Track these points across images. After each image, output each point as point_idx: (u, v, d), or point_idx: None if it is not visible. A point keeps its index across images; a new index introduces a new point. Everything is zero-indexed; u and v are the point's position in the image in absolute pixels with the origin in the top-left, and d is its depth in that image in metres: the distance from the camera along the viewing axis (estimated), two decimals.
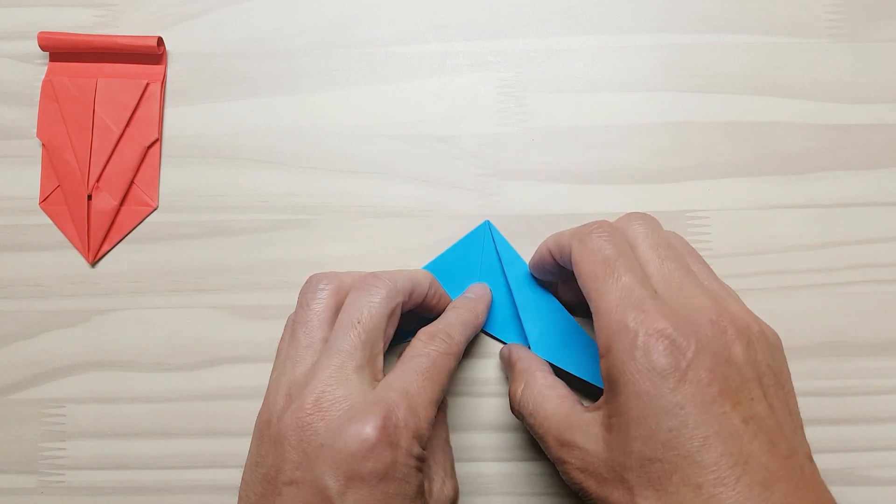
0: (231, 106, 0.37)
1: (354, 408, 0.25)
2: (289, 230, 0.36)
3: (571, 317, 0.33)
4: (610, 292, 0.25)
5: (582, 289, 0.27)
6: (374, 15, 0.37)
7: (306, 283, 0.29)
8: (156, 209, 0.36)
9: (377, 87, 0.37)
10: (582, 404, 0.28)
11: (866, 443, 0.34)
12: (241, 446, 0.34)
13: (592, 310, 0.26)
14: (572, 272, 0.28)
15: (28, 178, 0.36)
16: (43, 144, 0.36)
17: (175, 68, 0.37)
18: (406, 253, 0.35)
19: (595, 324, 0.26)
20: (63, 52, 0.36)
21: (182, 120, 0.37)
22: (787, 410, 0.24)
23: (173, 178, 0.36)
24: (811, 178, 0.36)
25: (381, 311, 0.28)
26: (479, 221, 0.35)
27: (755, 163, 0.36)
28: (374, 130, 0.36)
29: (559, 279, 0.33)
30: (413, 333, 0.29)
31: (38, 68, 0.37)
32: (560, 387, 0.29)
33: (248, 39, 0.37)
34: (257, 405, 0.34)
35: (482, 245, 0.35)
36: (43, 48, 0.36)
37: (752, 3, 0.37)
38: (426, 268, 0.35)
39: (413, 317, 0.32)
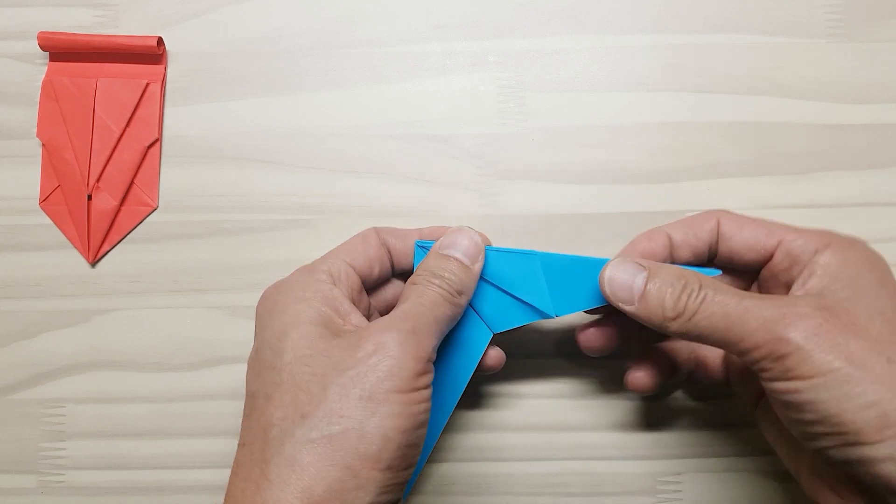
0: (231, 106, 0.37)
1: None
2: (289, 230, 0.36)
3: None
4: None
5: None
6: (374, 15, 0.37)
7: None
8: (156, 209, 0.36)
9: (377, 87, 0.37)
10: None
11: None
12: None
13: None
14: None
15: (28, 178, 0.36)
16: (43, 144, 0.36)
17: (175, 68, 0.37)
18: None
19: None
20: (63, 52, 0.36)
21: (182, 120, 0.37)
22: None
23: (173, 178, 0.36)
24: (811, 178, 0.36)
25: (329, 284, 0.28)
26: (479, 221, 0.35)
27: (755, 163, 0.36)
28: (374, 130, 0.36)
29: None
30: None
31: (38, 68, 0.37)
32: None
33: (248, 39, 0.37)
34: None
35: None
36: (43, 48, 0.36)
37: (752, 3, 0.37)
38: None
39: None
